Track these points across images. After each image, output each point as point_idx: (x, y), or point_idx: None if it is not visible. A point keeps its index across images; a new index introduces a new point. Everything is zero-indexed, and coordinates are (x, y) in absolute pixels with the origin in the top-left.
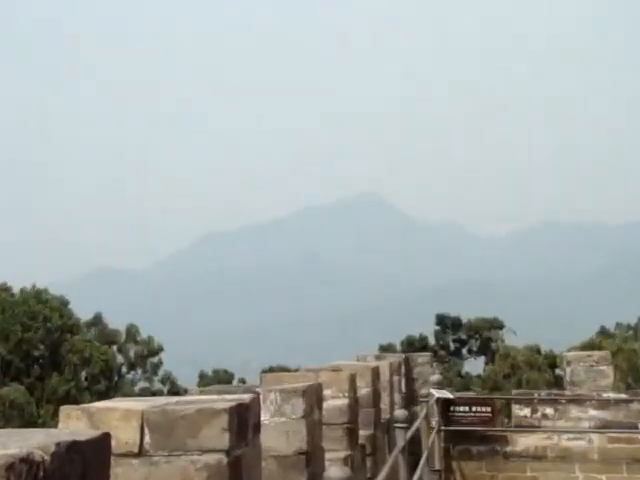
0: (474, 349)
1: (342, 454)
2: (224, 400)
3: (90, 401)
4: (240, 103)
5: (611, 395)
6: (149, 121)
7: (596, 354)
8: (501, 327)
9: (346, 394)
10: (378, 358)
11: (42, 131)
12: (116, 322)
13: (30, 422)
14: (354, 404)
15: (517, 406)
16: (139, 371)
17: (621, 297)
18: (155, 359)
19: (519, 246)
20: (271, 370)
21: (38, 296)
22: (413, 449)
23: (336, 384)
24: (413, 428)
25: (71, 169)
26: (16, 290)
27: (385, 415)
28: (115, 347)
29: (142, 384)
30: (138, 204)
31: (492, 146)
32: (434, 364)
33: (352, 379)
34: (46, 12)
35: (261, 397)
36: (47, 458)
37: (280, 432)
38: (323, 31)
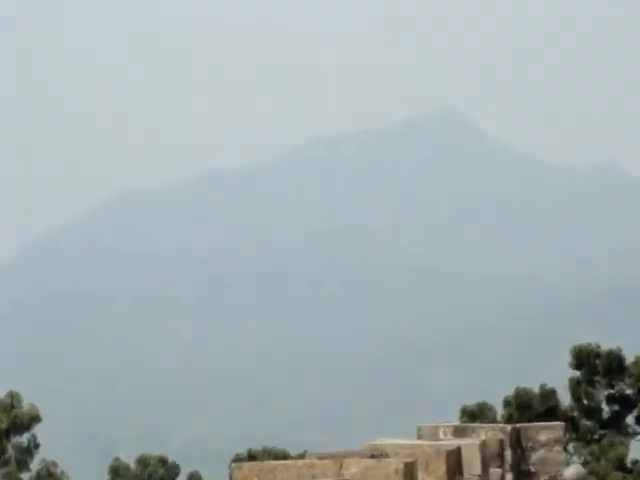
0: None
1: None
2: None
3: None
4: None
5: None
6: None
7: None
8: None
9: None
10: (458, 432)
11: None
12: None
13: None
14: None
15: None
16: None
17: None
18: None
19: None
20: (249, 456)
21: None
22: None
23: None
24: None
25: None
26: None
27: None
28: None
29: None
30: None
31: None
32: (570, 444)
33: (408, 473)
34: None
35: None
36: None
37: None
38: None
